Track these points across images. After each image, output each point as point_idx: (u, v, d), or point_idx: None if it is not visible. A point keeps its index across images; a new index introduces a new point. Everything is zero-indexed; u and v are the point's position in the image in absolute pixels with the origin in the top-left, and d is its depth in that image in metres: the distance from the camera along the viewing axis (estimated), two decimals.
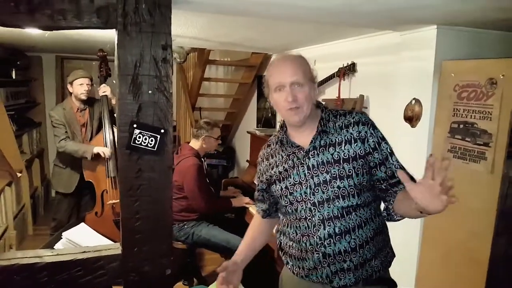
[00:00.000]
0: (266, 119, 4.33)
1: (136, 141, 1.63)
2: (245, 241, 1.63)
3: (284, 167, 1.41)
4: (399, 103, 2.30)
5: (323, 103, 1.48)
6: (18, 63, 4.48)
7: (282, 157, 1.43)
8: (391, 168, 1.35)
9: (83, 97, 3.20)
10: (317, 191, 1.34)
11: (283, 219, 1.54)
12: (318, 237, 1.35)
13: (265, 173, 1.50)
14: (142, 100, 1.62)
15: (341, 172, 1.32)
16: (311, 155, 1.36)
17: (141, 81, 1.61)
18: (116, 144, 3.09)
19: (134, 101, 1.61)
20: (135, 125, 1.62)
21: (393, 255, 1.49)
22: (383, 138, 1.38)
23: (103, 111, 3.18)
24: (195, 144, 3.00)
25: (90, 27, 1.58)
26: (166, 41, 1.62)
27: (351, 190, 1.33)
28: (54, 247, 2.03)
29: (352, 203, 1.34)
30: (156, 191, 1.70)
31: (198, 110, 4.56)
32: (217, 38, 3.00)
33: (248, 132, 3.99)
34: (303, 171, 1.36)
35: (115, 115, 3.33)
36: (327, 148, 1.35)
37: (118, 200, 3.21)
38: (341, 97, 2.85)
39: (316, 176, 1.34)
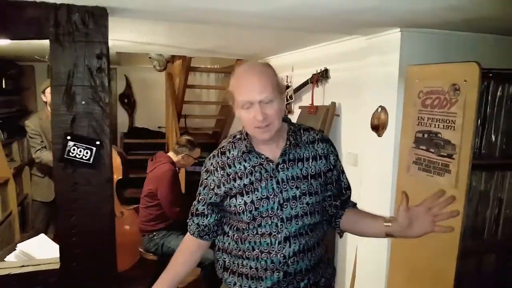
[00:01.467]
0: None
1: (70, 153, 1.58)
2: (171, 268, 1.43)
3: (250, 179, 1.30)
4: (367, 110, 2.20)
5: (287, 115, 1.47)
6: (8, 73, 4.51)
7: (246, 168, 1.31)
8: (341, 185, 1.43)
9: None
10: (285, 206, 1.28)
11: (226, 237, 1.41)
12: (282, 255, 1.28)
13: (222, 184, 1.32)
14: (76, 111, 1.57)
15: (309, 188, 1.31)
16: (281, 168, 1.30)
17: (74, 91, 1.56)
18: None
19: (67, 112, 1.56)
20: (68, 137, 1.57)
21: (334, 271, 1.48)
22: (337, 156, 1.43)
23: None
24: (173, 156, 2.96)
25: (23, 38, 1.54)
26: (101, 50, 1.57)
27: (316, 207, 1.33)
28: (5, 259, 1.97)
29: (316, 220, 1.34)
30: (94, 206, 1.64)
31: (183, 117, 4.51)
32: (188, 45, 2.94)
33: None
34: (272, 185, 1.29)
35: None
36: (296, 163, 1.32)
37: None
38: (315, 104, 2.75)
39: (285, 191, 1.29)
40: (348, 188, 1.46)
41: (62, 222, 1.62)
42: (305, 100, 3.09)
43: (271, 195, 1.28)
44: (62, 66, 1.54)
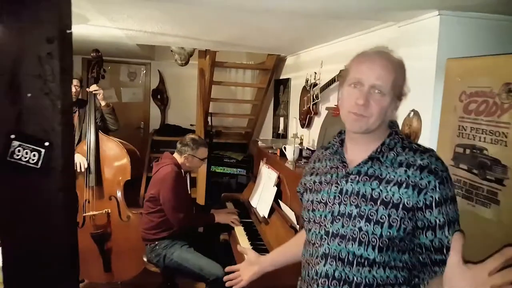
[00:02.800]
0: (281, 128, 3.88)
1: (15, 155, 1.33)
2: (280, 248, 1.53)
3: (321, 178, 1.22)
4: (400, 114, 1.76)
5: (398, 128, 1.18)
6: None
7: (325, 166, 1.24)
8: (442, 240, 1.05)
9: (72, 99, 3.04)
10: (337, 221, 1.13)
11: None
12: (315, 270, 1.17)
13: (306, 175, 1.31)
14: (21, 105, 1.32)
15: (371, 213, 1.09)
16: (351, 179, 1.13)
17: (20, 82, 1.31)
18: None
19: (11, 106, 1.31)
20: (12, 136, 1.32)
21: None
22: (450, 201, 1.06)
23: (90, 112, 2.98)
24: (178, 158, 2.69)
25: None
26: (53, 33, 1.30)
27: (373, 239, 1.08)
28: None
29: (369, 255, 1.09)
30: (43, 217, 1.39)
31: (210, 115, 4.26)
32: (202, 36, 2.66)
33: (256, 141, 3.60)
34: (334, 192, 1.15)
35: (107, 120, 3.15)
36: (371, 180, 1.11)
37: (98, 212, 3.04)
38: None
39: (344, 204, 1.13)
40: (446, 250, 1.06)
41: (6, 236, 1.37)
42: (333, 100, 2.69)
43: (330, 202, 1.16)
44: (5, 52, 1.29)
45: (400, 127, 1.75)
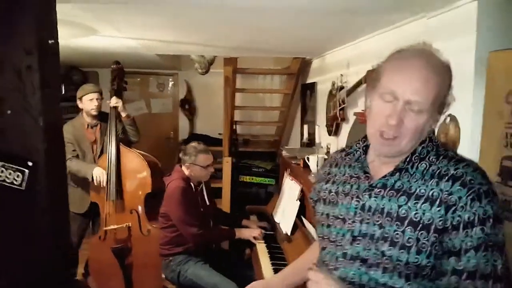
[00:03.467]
0: (309, 136, 3.65)
1: None
2: (291, 265, 1.44)
3: (338, 188, 1.06)
4: None
5: (434, 134, 1.00)
6: (72, 79, 4.62)
7: (344, 174, 1.08)
8: (467, 268, 0.86)
9: (94, 112, 3.01)
10: (357, 242, 0.98)
11: None
12: None
13: (320, 181, 1.15)
14: (2, 123, 1.22)
15: (396, 235, 0.92)
16: (375, 193, 0.98)
17: None
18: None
19: None
20: None
21: None
22: (489, 221, 0.86)
23: (111, 126, 2.93)
24: (185, 170, 2.56)
25: None
26: (31, 44, 1.20)
27: (398, 266, 0.92)
28: None
29: (395, 285, 0.93)
30: (27, 242, 1.29)
31: (235, 123, 4.12)
32: (217, 42, 2.52)
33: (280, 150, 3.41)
34: (355, 208, 1.00)
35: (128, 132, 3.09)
36: (398, 195, 0.95)
37: (119, 226, 2.96)
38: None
39: (366, 222, 0.98)
40: (472, 277, 0.86)
41: None
42: (362, 104, 2.45)
43: (349, 219, 1.00)
44: None
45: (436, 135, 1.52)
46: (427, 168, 0.94)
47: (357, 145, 1.08)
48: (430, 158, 0.95)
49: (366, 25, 2.06)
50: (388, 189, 0.96)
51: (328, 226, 1.06)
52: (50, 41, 1.23)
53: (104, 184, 2.84)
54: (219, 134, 5.25)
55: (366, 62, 2.21)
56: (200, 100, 5.45)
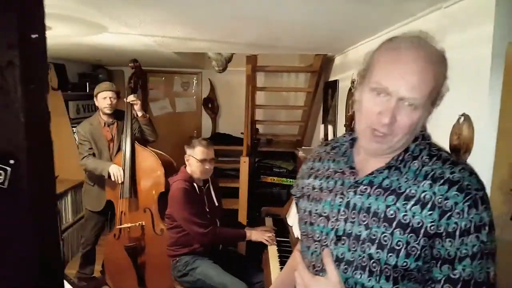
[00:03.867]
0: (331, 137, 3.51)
1: None
2: (281, 274, 1.36)
3: (321, 184, 1.00)
4: (445, 121, 1.37)
5: (426, 130, 0.93)
6: (98, 76, 4.71)
7: (328, 168, 1.02)
8: (462, 277, 0.82)
9: (107, 111, 3.04)
10: (342, 242, 0.92)
11: None
12: None
13: (302, 177, 1.09)
14: None
15: (384, 237, 0.87)
16: (361, 190, 0.91)
17: None
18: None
19: None
20: None
21: None
22: (482, 229, 0.81)
23: (126, 122, 2.93)
24: (187, 168, 2.51)
25: None
26: (13, 38, 1.17)
27: (386, 270, 0.87)
28: None
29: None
30: (10, 244, 1.26)
31: (255, 123, 4.04)
32: (231, 38, 2.45)
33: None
34: (338, 205, 0.94)
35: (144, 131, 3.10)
36: (385, 193, 0.89)
37: (132, 224, 2.96)
38: None
39: (350, 222, 0.91)
40: (467, 286, 0.81)
41: None
42: None
43: (333, 217, 0.94)
44: None
45: (448, 137, 1.37)
46: (419, 168, 0.88)
47: (343, 138, 1.02)
48: (423, 158, 0.89)
49: (384, 16, 1.92)
50: (375, 187, 0.90)
51: (311, 224, 1.00)
52: (33, 36, 1.21)
53: (121, 180, 2.85)
54: (241, 133, 5.20)
55: None
56: (223, 99, 5.42)
